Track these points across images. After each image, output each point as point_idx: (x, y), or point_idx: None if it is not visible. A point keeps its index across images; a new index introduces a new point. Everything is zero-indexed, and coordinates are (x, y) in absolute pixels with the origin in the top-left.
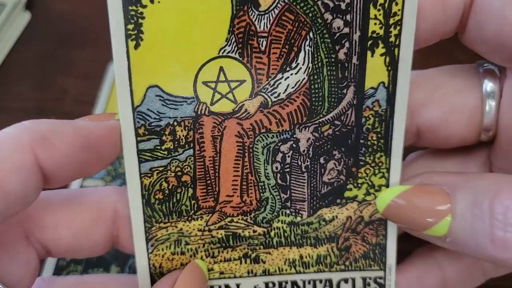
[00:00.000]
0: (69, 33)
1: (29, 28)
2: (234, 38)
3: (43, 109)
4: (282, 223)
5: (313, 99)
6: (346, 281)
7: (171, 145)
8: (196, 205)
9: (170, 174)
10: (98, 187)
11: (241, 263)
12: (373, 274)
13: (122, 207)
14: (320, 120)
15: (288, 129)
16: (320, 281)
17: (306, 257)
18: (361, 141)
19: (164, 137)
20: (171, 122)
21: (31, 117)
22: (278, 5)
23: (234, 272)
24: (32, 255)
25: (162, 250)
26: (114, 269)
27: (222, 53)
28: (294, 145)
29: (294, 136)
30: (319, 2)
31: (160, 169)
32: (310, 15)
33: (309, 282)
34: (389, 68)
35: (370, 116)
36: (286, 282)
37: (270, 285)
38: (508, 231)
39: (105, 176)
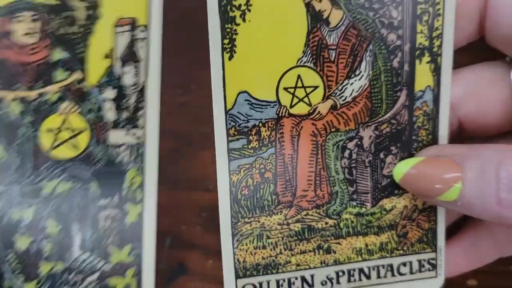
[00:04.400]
0: None
1: None
2: (309, 51)
3: None
4: (349, 214)
5: (373, 101)
6: (404, 264)
7: (256, 144)
8: (276, 200)
9: (255, 171)
10: None
11: (314, 254)
12: (426, 256)
13: None
14: (380, 119)
15: (353, 128)
16: (383, 267)
17: (370, 245)
18: (413, 137)
19: (250, 137)
20: (257, 124)
21: None
22: (344, 22)
23: (309, 263)
24: None
25: (246, 244)
26: None
27: (300, 63)
28: (358, 142)
29: (359, 134)
30: (377, 20)
31: (247, 166)
32: (370, 30)
33: (373, 268)
34: (434, 74)
35: (420, 115)
36: (354, 270)
37: (340, 273)
38: None
39: None
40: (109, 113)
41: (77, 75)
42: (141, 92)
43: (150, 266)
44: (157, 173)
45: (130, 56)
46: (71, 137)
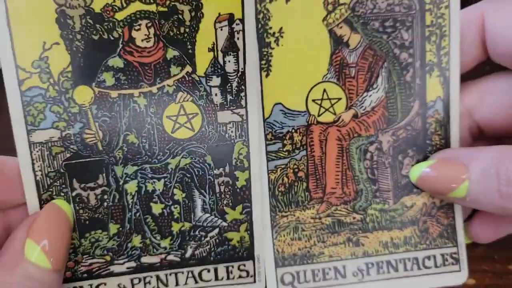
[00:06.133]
0: None
1: None
2: (332, 69)
3: None
4: (374, 210)
5: (390, 110)
6: (429, 258)
7: (290, 147)
8: (309, 196)
9: (290, 170)
10: None
11: (345, 246)
12: (448, 250)
13: None
14: (396, 126)
15: (373, 134)
16: (409, 259)
17: (395, 239)
18: (427, 141)
19: (285, 141)
20: (290, 130)
21: None
22: (362, 44)
23: (340, 255)
24: None
25: (283, 236)
26: (113, 227)
27: (325, 79)
28: (378, 146)
29: (378, 139)
30: (390, 42)
31: (282, 166)
32: (384, 50)
33: (400, 261)
34: (443, 86)
35: (432, 122)
36: (382, 262)
37: (370, 265)
38: (511, 186)
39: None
40: (216, 98)
41: (187, 69)
42: (241, 77)
43: (259, 221)
44: (259, 144)
45: (230, 47)
46: (187, 121)
